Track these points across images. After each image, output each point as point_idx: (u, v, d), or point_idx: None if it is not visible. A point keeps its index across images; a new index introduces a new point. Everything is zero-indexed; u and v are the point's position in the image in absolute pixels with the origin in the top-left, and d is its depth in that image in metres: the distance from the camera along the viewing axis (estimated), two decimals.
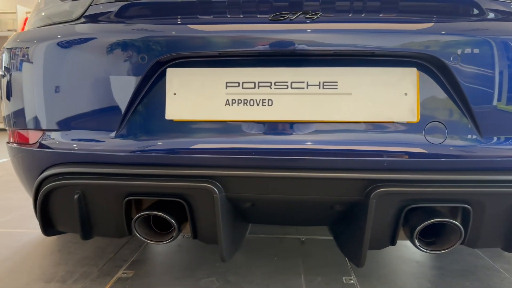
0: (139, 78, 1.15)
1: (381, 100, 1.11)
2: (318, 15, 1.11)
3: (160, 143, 1.16)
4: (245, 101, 1.14)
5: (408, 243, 1.33)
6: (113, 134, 1.19)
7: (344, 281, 1.50)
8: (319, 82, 1.13)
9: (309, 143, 1.13)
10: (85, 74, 1.19)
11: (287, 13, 1.12)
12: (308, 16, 1.11)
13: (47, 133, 1.25)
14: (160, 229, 1.29)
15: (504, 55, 1.09)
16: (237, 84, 1.15)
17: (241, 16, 1.16)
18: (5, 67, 1.33)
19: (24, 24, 1.61)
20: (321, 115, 1.12)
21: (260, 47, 1.12)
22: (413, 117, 1.11)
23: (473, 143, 1.11)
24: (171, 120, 1.16)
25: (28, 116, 1.27)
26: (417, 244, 1.15)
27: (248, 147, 1.13)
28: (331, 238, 1.61)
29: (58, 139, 1.24)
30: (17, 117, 1.30)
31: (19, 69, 1.28)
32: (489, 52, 1.09)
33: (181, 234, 1.29)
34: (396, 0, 1.13)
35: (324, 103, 1.12)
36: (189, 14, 1.17)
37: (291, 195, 1.18)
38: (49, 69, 1.22)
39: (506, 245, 1.21)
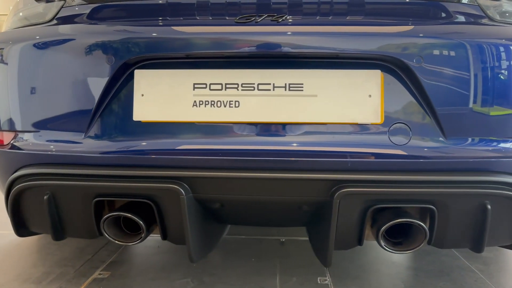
0: (107, 79, 1.16)
1: (346, 101, 1.12)
2: (284, 18, 1.12)
3: (128, 144, 1.17)
4: (213, 103, 1.15)
5: None
6: (82, 135, 1.19)
7: (319, 282, 1.50)
8: (285, 84, 1.14)
9: (275, 144, 1.14)
10: (55, 75, 1.20)
11: (253, 16, 1.13)
12: (273, 18, 1.12)
13: (20, 134, 1.26)
14: (131, 230, 1.30)
15: (466, 58, 1.10)
16: (204, 86, 1.16)
17: (209, 18, 1.17)
18: None
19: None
20: (287, 117, 1.13)
21: (227, 49, 1.13)
22: (377, 119, 1.12)
23: (437, 144, 1.12)
24: (139, 121, 1.17)
25: (1, 117, 1.28)
26: (383, 244, 1.16)
27: (215, 148, 1.14)
28: None
29: (30, 140, 1.24)
30: None
31: None
32: (452, 54, 1.10)
33: (151, 235, 1.30)
34: (360, 4, 1.14)
35: (290, 105, 1.13)
36: (156, 16, 1.18)
37: (258, 195, 1.19)
38: (21, 70, 1.23)
39: (473, 245, 1.22)
